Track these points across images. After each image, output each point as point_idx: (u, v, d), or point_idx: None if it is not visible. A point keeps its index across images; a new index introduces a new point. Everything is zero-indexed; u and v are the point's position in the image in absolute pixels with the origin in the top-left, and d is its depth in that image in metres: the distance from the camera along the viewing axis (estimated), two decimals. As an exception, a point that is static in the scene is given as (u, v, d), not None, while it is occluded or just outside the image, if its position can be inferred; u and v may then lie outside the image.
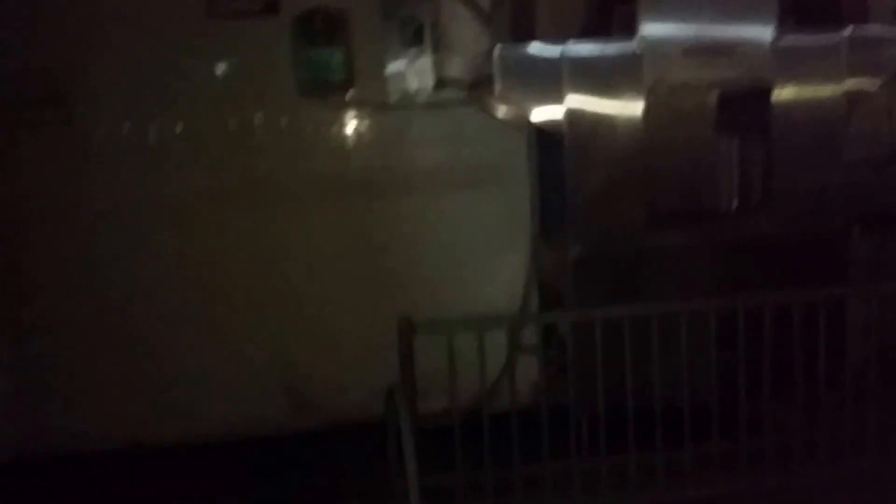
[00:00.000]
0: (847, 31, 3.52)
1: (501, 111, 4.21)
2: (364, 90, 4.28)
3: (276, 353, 4.36)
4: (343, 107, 4.28)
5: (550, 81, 3.45)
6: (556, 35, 3.76)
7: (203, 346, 4.27)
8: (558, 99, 3.46)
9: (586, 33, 3.78)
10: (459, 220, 4.39)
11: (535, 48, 3.45)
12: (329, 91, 4.24)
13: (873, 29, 3.59)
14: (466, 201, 4.37)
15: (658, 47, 3.45)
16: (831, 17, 3.67)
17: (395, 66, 4.22)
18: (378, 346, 4.29)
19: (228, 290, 4.31)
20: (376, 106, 4.29)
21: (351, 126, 4.34)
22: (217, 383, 4.28)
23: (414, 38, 4.21)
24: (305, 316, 4.38)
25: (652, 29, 3.45)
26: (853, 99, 3.54)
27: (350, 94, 4.25)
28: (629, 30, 3.51)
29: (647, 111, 3.49)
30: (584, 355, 3.26)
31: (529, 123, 4.17)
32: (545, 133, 3.98)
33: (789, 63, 3.51)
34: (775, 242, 3.61)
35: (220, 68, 4.23)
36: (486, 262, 4.43)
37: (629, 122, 3.49)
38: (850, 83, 3.52)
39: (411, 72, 4.25)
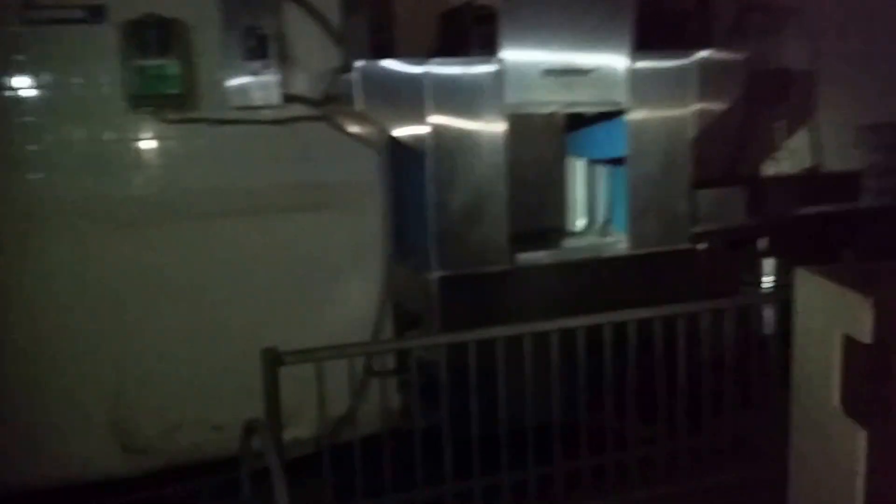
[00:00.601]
0: (696, 56, 3.70)
1: (355, 128, 4.08)
2: (203, 104, 3.98)
3: (104, 388, 3.94)
4: (179, 122, 3.95)
5: (413, 99, 3.36)
6: (414, 53, 3.70)
7: (27, 383, 3.79)
8: (421, 117, 3.37)
9: (444, 52, 3.74)
10: (308, 242, 4.19)
11: (397, 65, 3.35)
12: (163, 105, 3.90)
13: (720, 53, 3.79)
14: (316, 221, 4.18)
15: (518, 68, 3.46)
16: (680, 41, 3.88)
17: (236, 80, 3.96)
18: (211, 378, 4.03)
19: (47, 319, 3.85)
20: (216, 121, 4.00)
21: (188, 142, 4.01)
22: (41, 424, 3.82)
23: (257, 50, 3.98)
24: (136, 347, 3.99)
25: (511, 50, 3.45)
26: (703, 119, 3.71)
27: (186, 109, 3.94)
28: (488, 50, 3.50)
29: (507, 131, 3.47)
30: (456, 378, 3.18)
31: (385, 141, 4.09)
32: (399, 151, 3.90)
33: (642, 86, 3.63)
34: (630, 259, 3.72)
35: (39, 80, 3.78)
36: (337, 284, 4.26)
37: (491, 142, 3.46)
38: (699, 106, 3.70)
39: (255, 86, 4.00)
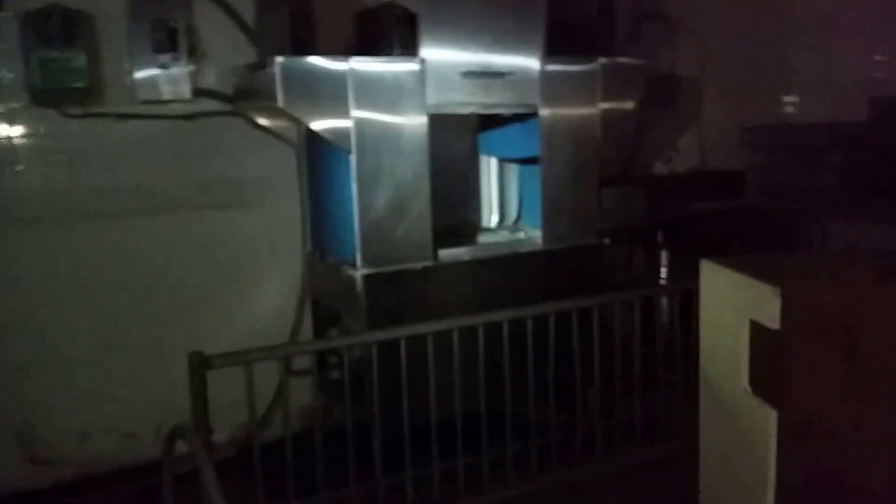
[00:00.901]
0: (600, 61, 3.90)
1: (270, 124, 4.05)
2: (109, 98, 3.85)
3: (7, 396, 3.75)
4: (84, 116, 3.80)
5: (336, 97, 3.38)
6: (333, 51, 3.72)
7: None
8: (344, 115, 3.40)
9: (364, 51, 3.78)
10: (223, 240, 4.12)
11: (320, 62, 3.35)
12: (68, 99, 3.74)
13: (621, 59, 4.02)
14: (230, 219, 4.11)
15: (438, 69, 3.54)
16: (586, 47, 4.08)
17: (146, 73, 3.85)
18: (122, 383, 3.93)
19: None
20: (124, 116, 3.88)
21: (94, 138, 3.86)
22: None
23: (167, 43, 3.88)
24: (41, 352, 3.81)
25: (432, 51, 3.53)
26: (606, 121, 3.92)
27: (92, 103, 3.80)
28: (410, 50, 3.57)
29: (429, 130, 3.56)
30: (387, 374, 3.24)
31: (302, 137, 4.08)
32: (318, 147, 3.91)
33: (554, 89, 3.80)
34: (546, 254, 3.88)
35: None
36: (254, 282, 4.21)
37: (414, 140, 3.53)
38: (604, 103, 3.91)
39: (164, 79, 3.91)
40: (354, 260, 3.52)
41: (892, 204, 4.49)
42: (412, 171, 3.55)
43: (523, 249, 3.89)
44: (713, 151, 5.57)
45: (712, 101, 5.62)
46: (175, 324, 4.02)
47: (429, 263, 3.63)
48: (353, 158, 3.45)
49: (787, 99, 6.00)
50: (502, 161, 4.37)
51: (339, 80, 3.38)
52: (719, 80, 5.61)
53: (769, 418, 2.60)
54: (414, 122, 3.52)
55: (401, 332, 3.19)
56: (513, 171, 4.41)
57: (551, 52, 3.77)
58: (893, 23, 5.28)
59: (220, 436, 3.78)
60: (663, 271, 4.45)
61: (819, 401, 2.59)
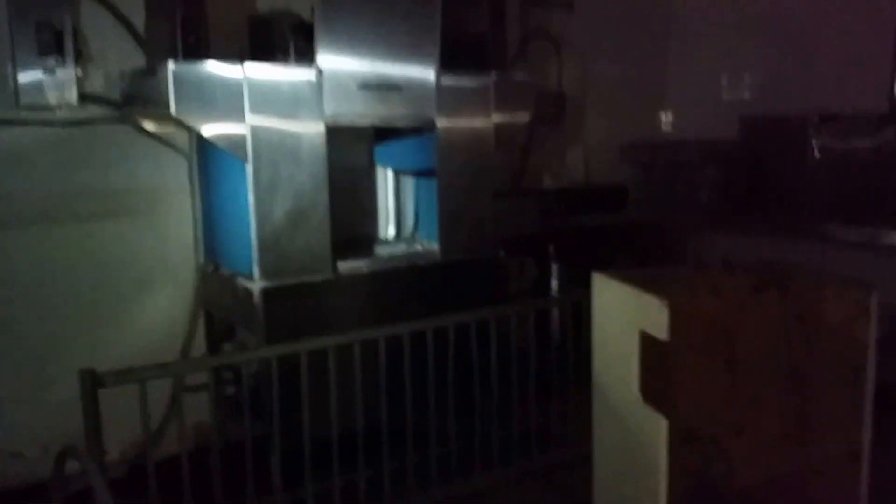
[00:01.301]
0: (493, 76, 4.01)
1: (161, 131, 3.93)
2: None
3: None
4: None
5: (232, 104, 3.32)
6: (226, 57, 3.66)
7: None
8: (240, 122, 3.35)
9: (258, 58, 3.73)
10: (112, 251, 3.95)
11: (214, 68, 3.29)
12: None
13: (512, 75, 4.14)
14: (120, 230, 3.95)
15: (336, 79, 3.54)
16: (479, 62, 4.19)
17: (30, 77, 3.67)
18: (6, 401, 3.72)
19: None
20: (6, 121, 3.67)
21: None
22: None
23: (51, 46, 3.70)
24: None
25: (329, 61, 3.52)
26: (499, 135, 4.03)
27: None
28: (307, 59, 3.56)
29: (327, 140, 3.55)
30: (286, 389, 3.21)
31: (194, 145, 3.98)
32: (212, 156, 3.83)
33: (450, 103, 3.87)
34: (443, 267, 3.95)
35: None
36: (145, 295, 4.06)
37: (312, 150, 3.52)
38: (497, 118, 4.01)
39: (49, 84, 3.73)
40: (251, 272, 3.47)
41: (763, 217, 4.83)
42: (310, 181, 3.53)
43: (422, 262, 3.94)
44: (597, 167, 5.81)
45: (596, 118, 5.86)
46: (62, 339, 3.83)
47: (328, 276, 3.62)
48: (249, 168, 3.40)
49: (665, 117, 6.34)
50: (399, 173, 4.41)
51: (234, 86, 3.33)
52: (602, 98, 5.86)
53: (659, 426, 2.75)
54: (311, 132, 3.51)
55: (301, 346, 3.16)
56: (409, 183, 4.45)
57: (446, 66, 3.84)
58: (761, 47, 5.69)
59: (111, 454, 3.64)
60: (554, 283, 4.61)
61: (704, 408, 2.76)
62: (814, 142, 4.59)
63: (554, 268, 4.71)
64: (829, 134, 4.63)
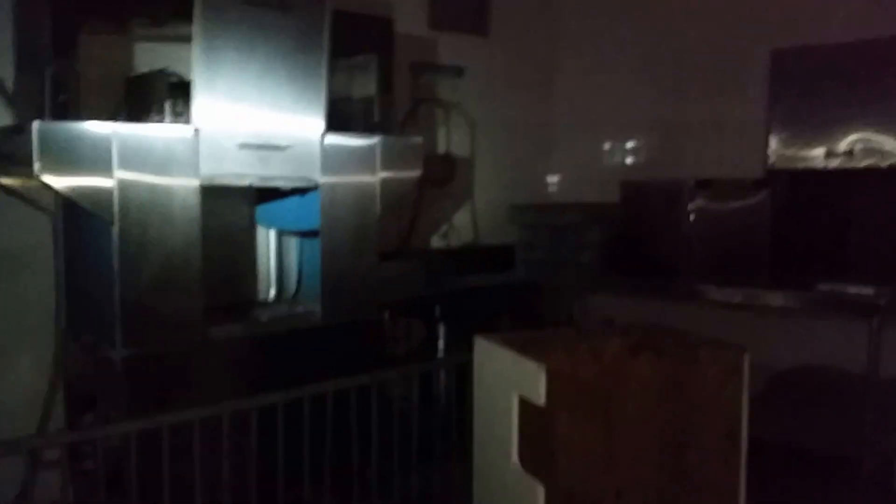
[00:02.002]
0: (380, 138, 3.99)
1: (23, 190, 3.70)
2: None
3: None
4: None
5: (99, 163, 3.15)
6: (99, 116, 3.50)
7: None
8: (107, 182, 3.18)
9: (133, 117, 3.59)
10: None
11: (82, 127, 3.13)
12: None
13: (400, 138, 4.13)
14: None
15: (213, 139, 3.43)
16: (367, 125, 4.17)
17: None
18: None
19: None
20: None
21: None
22: None
23: None
24: None
25: (207, 119, 3.41)
26: (385, 197, 3.98)
27: None
28: (183, 118, 3.43)
29: (201, 201, 3.41)
30: (148, 465, 2.99)
31: (59, 204, 3.76)
32: (77, 216, 3.62)
33: (334, 164, 3.80)
34: (324, 330, 3.83)
35: None
36: (1, 363, 3.77)
37: (184, 211, 3.37)
38: (383, 175, 3.97)
39: None
40: (113, 340, 3.26)
41: (642, 279, 4.94)
42: (182, 243, 3.37)
43: (301, 325, 3.81)
44: (486, 227, 5.86)
45: (484, 180, 5.93)
46: None
47: (198, 342, 3.43)
48: (115, 229, 3.22)
49: (551, 180, 6.48)
50: (281, 233, 4.29)
51: (102, 145, 3.16)
52: (490, 161, 5.94)
53: (537, 492, 2.69)
54: (185, 191, 3.36)
55: (163, 419, 2.96)
56: (292, 243, 4.34)
57: (332, 127, 3.78)
58: (644, 114, 5.92)
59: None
60: (441, 344, 4.55)
61: (583, 472, 2.73)
62: (689, 206, 4.75)
63: (440, 328, 4.66)
64: (705, 198, 4.81)
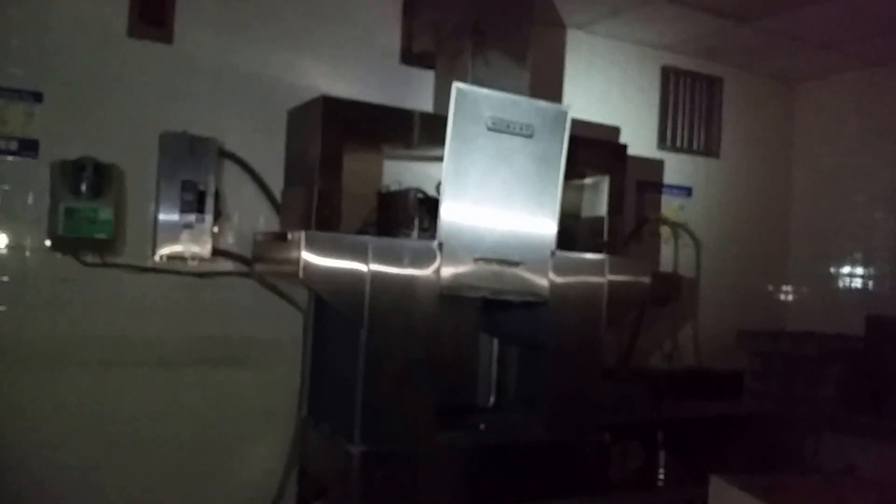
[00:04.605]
0: (608, 257, 4.04)
1: (284, 289, 4.12)
2: (128, 251, 3.93)
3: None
4: (101, 265, 3.86)
5: (356, 272, 3.44)
6: (353, 227, 3.86)
7: None
8: (360, 291, 3.45)
9: (383, 230, 3.93)
10: (218, 398, 4.10)
11: (343, 238, 3.46)
12: (89, 248, 3.82)
13: (626, 257, 4.17)
14: (229, 377, 4.12)
15: (454, 253, 3.63)
16: (595, 245, 4.26)
17: (169, 231, 3.96)
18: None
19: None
20: (140, 269, 3.94)
21: (106, 287, 3.90)
22: None
23: (193, 203, 4.02)
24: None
25: (449, 234, 3.62)
26: (610, 314, 3.98)
27: (112, 254, 3.88)
28: (429, 234, 3.69)
29: (440, 311, 3.61)
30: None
31: (312, 302, 4.13)
32: (325, 314, 3.96)
33: (562, 281, 3.88)
34: (546, 445, 3.83)
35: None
36: (243, 444, 4.15)
37: (424, 318, 3.57)
38: (609, 293, 3.97)
39: (186, 238, 4.01)
40: (352, 433, 3.47)
41: (886, 422, 4.51)
42: (421, 348, 3.57)
43: (523, 439, 3.84)
44: (709, 351, 5.66)
45: (709, 302, 5.77)
46: (160, 479, 3.92)
47: (428, 446, 3.57)
48: (363, 332, 3.47)
49: (782, 305, 6.17)
50: (504, 342, 4.40)
51: (358, 256, 3.45)
52: (717, 282, 5.79)
53: None
54: (427, 300, 3.58)
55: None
56: (514, 353, 4.43)
57: (562, 244, 3.88)
58: (880, 244, 5.53)
59: None
60: (661, 473, 4.38)
61: None
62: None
63: (661, 456, 4.49)
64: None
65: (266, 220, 4.20)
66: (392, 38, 4.63)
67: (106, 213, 3.78)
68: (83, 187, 3.75)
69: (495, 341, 4.44)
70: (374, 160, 4.54)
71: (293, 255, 3.41)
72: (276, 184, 4.20)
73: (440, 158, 3.60)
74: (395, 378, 3.51)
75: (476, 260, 3.71)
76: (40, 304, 3.78)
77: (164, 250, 3.96)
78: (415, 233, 3.81)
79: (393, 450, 3.49)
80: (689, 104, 5.84)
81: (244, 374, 4.14)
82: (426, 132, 3.95)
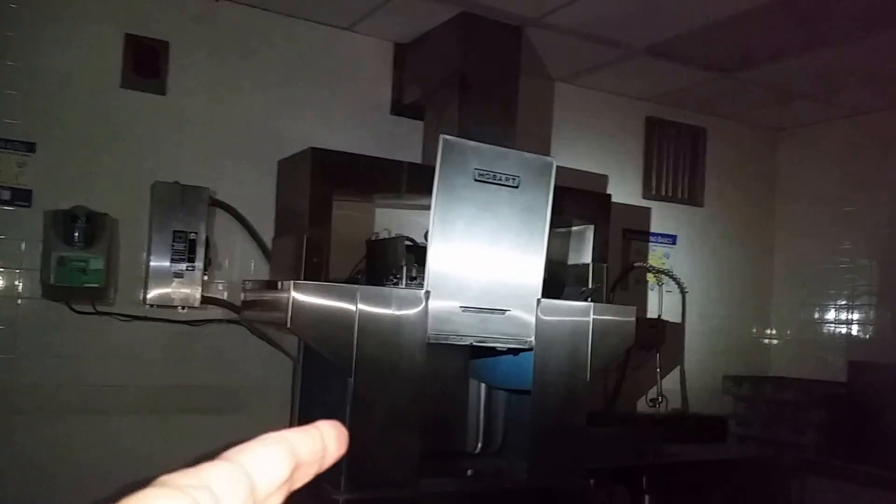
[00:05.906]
0: (593, 305, 4.11)
1: (274, 336, 4.17)
2: (119, 298, 3.99)
3: None
4: (91, 313, 3.92)
5: (345, 320, 3.49)
6: (343, 273, 3.93)
7: None
8: (349, 339, 3.50)
9: (371, 276, 3.99)
10: (207, 445, 4.06)
11: (331, 287, 3.52)
12: (80, 296, 3.88)
13: (612, 304, 4.24)
14: (218, 424, 4.14)
15: (441, 301, 3.69)
16: (580, 293, 4.33)
17: (160, 279, 4.02)
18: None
19: None
20: (130, 317, 4.00)
21: (97, 335, 3.95)
22: None
23: (184, 253, 4.09)
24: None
25: (436, 283, 3.69)
26: (595, 360, 4.04)
27: (103, 302, 3.94)
28: (416, 283, 3.76)
29: (426, 358, 3.66)
30: None
31: (301, 349, 4.17)
32: (314, 361, 4.00)
33: (548, 329, 3.95)
34: (531, 492, 3.86)
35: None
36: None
37: (411, 367, 3.62)
38: (594, 339, 4.03)
39: (176, 286, 4.07)
40: (339, 481, 3.49)
41: (873, 466, 4.56)
42: (406, 395, 3.61)
43: (507, 484, 3.88)
44: (696, 396, 5.70)
45: (694, 347, 5.84)
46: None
47: (412, 492, 3.60)
48: (350, 381, 3.52)
49: (766, 350, 6.24)
50: (491, 388, 4.45)
51: (347, 305, 3.51)
52: (702, 328, 5.86)
53: None
54: (413, 349, 3.63)
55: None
56: (500, 397, 4.48)
57: (547, 292, 3.96)
58: (863, 288, 5.62)
59: None
60: (646, 518, 4.41)
61: None
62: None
63: (646, 500, 4.52)
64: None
65: (257, 268, 4.27)
66: (383, 90, 4.76)
67: (97, 263, 3.85)
68: (76, 236, 3.82)
69: (483, 386, 4.48)
70: (365, 208, 4.64)
71: (282, 303, 3.47)
72: (267, 232, 4.28)
73: (429, 207, 3.69)
74: (382, 425, 3.55)
75: (463, 308, 3.78)
76: (33, 352, 3.83)
77: (155, 298, 4.01)
78: (403, 281, 3.87)
79: (379, 497, 3.52)
80: (672, 154, 5.97)
81: (235, 420, 4.17)
82: (414, 182, 4.05)
